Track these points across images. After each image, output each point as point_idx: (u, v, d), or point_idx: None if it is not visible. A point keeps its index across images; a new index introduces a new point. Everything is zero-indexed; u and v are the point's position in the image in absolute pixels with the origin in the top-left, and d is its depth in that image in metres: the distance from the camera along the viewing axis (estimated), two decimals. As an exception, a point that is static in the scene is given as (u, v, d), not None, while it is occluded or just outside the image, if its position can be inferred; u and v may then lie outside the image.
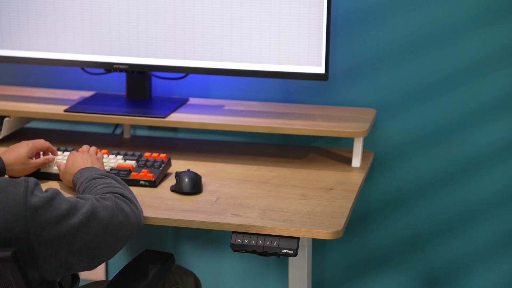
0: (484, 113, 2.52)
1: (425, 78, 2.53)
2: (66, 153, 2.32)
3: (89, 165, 2.12)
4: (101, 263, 1.86)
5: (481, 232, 2.62)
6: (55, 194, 1.75)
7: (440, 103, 2.54)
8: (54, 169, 2.25)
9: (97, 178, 2.01)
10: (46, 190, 1.77)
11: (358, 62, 2.54)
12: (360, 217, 2.68)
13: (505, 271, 2.64)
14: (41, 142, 2.24)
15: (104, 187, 1.96)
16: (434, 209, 2.63)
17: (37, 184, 1.74)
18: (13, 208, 1.68)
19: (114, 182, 2.00)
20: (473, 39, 2.47)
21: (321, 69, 2.38)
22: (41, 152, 2.26)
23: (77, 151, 2.23)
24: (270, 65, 2.41)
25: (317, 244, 2.72)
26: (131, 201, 1.94)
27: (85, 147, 2.23)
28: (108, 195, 1.90)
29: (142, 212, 1.97)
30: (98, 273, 2.90)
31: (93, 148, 2.23)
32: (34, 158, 2.23)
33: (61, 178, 2.19)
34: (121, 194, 1.93)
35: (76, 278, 2.08)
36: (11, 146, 2.23)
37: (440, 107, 2.54)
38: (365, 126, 2.37)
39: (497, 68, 2.48)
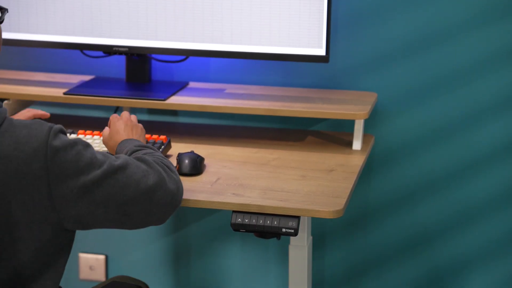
0: (487, 110, 2.51)
1: (427, 76, 2.52)
2: (74, 135, 2.32)
3: (133, 136, 2.09)
4: (141, 225, 1.81)
5: (483, 231, 2.60)
6: (79, 141, 1.74)
7: (441, 102, 2.53)
8: None
9: (140, 150, 1.98)
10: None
11: (360, 57, 2.54)
12: (360, 217, 2.67)
13: (508, 270, 2.63)
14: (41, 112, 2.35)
15: (146, 153, 1.94)
16: (435, 208, 2.62)
17: (62, 130, 1.74)
18: (35, 144, 1.68)
19: (154, 151, 1.97)
20: (475, 38, 2.47)
21: (322, 51, 2.37)
22: None
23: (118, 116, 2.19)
24: (270, 47, 2.40)
25: (317, 244, 2.71)
26: (171, 169, 1.90)
27: (126, 114, 2.17)
28: (147, 157, 1.87)
29: (181, 183, 1.91)
30: (98, 273, 2.89)
31: (134, 117, 2.18)
32: None
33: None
34: (161, 161, 1.90)
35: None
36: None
37: (442, 105, 2.53)
38: (366, 108, 2.36)
39: (500, 67, 2.47)
